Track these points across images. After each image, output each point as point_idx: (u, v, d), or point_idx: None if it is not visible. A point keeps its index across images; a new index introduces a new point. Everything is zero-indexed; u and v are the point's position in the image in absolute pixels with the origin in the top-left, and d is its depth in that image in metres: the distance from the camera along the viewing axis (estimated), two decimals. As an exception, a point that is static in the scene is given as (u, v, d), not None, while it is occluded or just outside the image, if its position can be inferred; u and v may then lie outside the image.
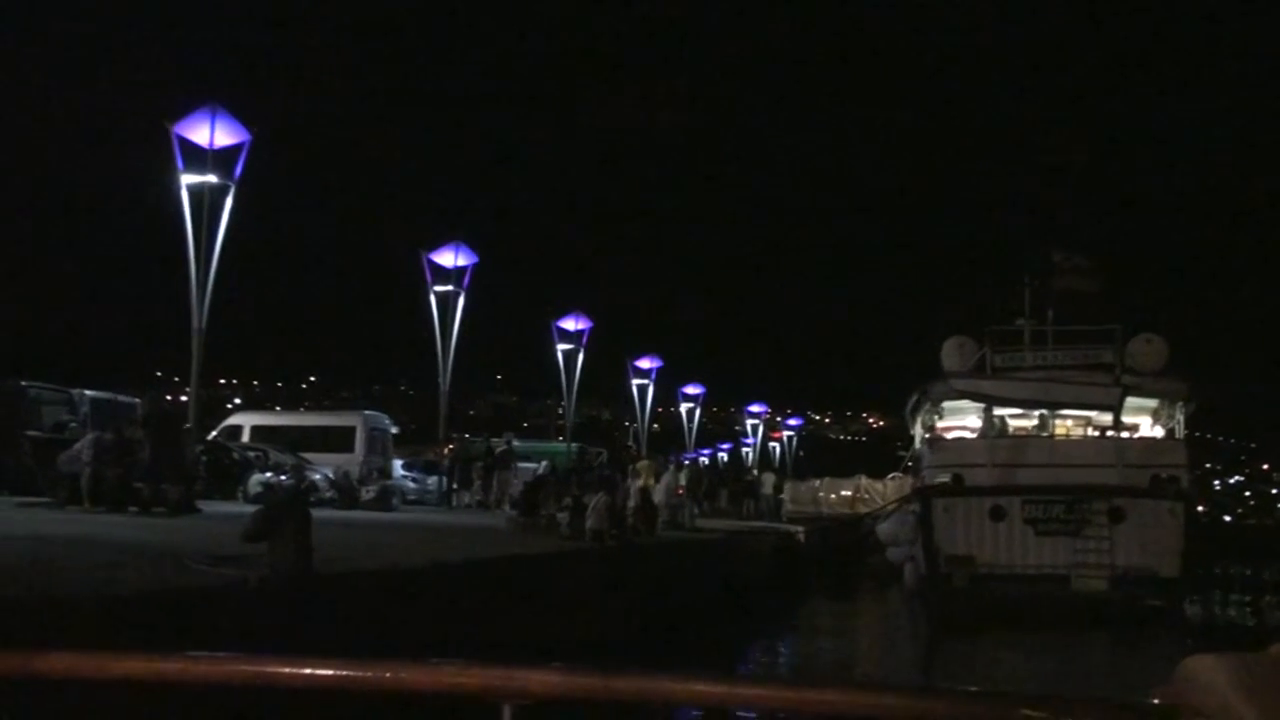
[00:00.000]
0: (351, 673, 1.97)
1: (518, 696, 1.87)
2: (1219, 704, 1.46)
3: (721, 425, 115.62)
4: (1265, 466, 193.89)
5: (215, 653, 2.06)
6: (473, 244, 38.68)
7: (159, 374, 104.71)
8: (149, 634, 8.24)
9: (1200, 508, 33.16)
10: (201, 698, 2.24)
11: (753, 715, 3.88)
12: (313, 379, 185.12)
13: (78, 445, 20.02)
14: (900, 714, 1.73)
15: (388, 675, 1.94)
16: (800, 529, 42.06)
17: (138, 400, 24.92)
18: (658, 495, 28.78)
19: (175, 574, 10.21)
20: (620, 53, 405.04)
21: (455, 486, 35.66)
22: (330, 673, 1.97)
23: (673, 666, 1.86)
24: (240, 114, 26.34)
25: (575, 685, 1.86)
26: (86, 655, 2.09)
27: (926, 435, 33.66)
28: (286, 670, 1.98)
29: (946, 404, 32.39)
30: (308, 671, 1.97)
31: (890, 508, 40.22)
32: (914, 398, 34.86)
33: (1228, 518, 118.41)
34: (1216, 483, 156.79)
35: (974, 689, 1.77)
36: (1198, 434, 33.13)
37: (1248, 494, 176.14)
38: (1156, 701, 1.57)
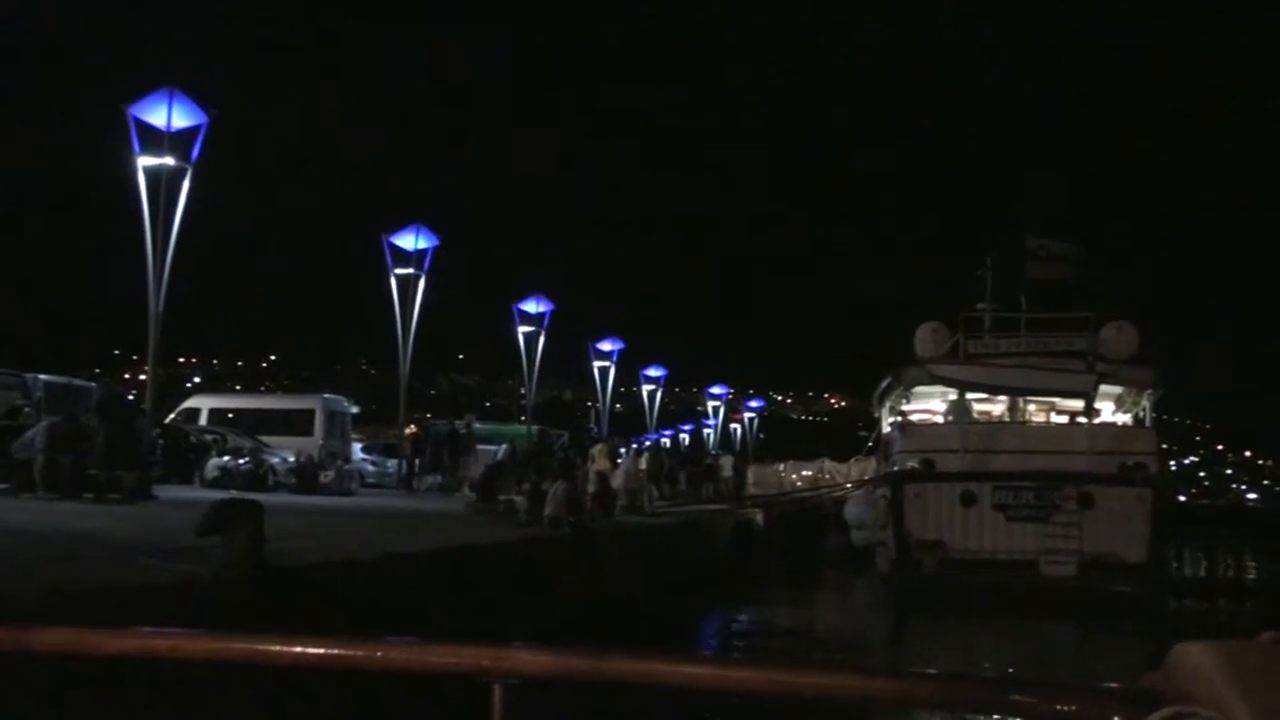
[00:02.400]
0: (342, 651, 1.98)
1: (508, 676, 1.88)
2: (1208, 690, 1.45)
3: (684, 406, 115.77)
4: (1220, 447, 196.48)
5: (208, 630, 2.06)
6: (434, 226, 38.48)
7: (116, 353, 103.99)
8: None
9: (1168, 493, 33.43)
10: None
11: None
12: (273, 357, 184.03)
13: (31, 432, 19.91)
14: (891, 697, 1.74)
15: (378, 654, 1.95)
16: (759, 511, 42.23)
17: (93, 385, 24.78)
18: (617, 479, 28.81)
19: (127, 569, 10.16)
20: (581, 36, 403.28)
21: (418, 469, 35.64)
22: (321, 651, 1.98)
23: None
24: (198, 96, 26.13)
25: (565, 666, 1.87)
26: (81, 631, 2.10)
27: (896, 419, 33.74)
28: (277, 648, 1.99)
29: (917, 389, 32.49)
30: (298, 650, 1.98)
31: (848, 488, 40.48)
32: (884, 382, 34.89)
33: (1183, 498, 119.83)
34: (1173, 463, 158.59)
35: (963, 674, 1.76)
36: (1159, 417, 33.42)
37: (1202, 474, 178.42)
38: (1144, 687, 1.57)
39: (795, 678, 1.84)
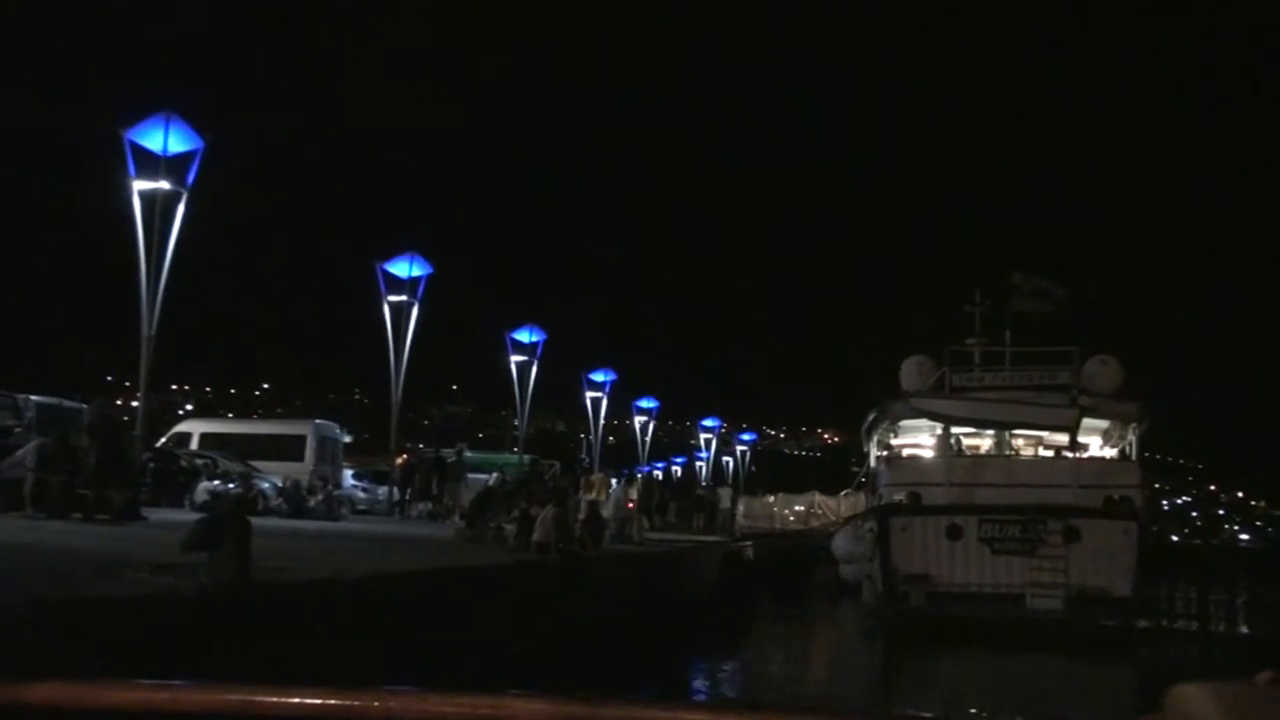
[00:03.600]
0: (339, 702, 1.96)
1: None
2: None
3: (676, 438, 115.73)
4: (1213, 488, 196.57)
5: (202, 681, 2.02)
6: (428, 254, 38.55)
7: (109, 378, 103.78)
8: (80, 643, 8.26)
9: (1153, 528, 33.60)
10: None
11: None
12: (266, 386, 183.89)
13: (21, 451, 19.95)
14: None
15: (375, 704, 1.93)
16: (749, 543, 42.28)
17: (84, 406, 24.79)
18: (607, 509, 28.86)
19: (111, 582, 10.22)
20: (576, 61, 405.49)
21: (409, 497, 35.62)
22: (318, 702, 1.96)
23: (611, 686, 1.86)
24: (195, 121, 26.26)
25: (563, 714, 1.83)
26: (76, 685, 2.05)
27: (883, 453, 33.83)
28: (274, 699, 1.98)
29: (904, 422, 32.59)
30: (296, 700, 1.97)
31: (839, 524, 40.53)
32: (871, 415, 34.99)
33: (1175, 538, 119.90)
34: (1165, 503, 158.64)
35: (967, 716, 1.74)
36: (1148, 454, 33.47)
37: (1195, 514, 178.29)
38: None
39: None
